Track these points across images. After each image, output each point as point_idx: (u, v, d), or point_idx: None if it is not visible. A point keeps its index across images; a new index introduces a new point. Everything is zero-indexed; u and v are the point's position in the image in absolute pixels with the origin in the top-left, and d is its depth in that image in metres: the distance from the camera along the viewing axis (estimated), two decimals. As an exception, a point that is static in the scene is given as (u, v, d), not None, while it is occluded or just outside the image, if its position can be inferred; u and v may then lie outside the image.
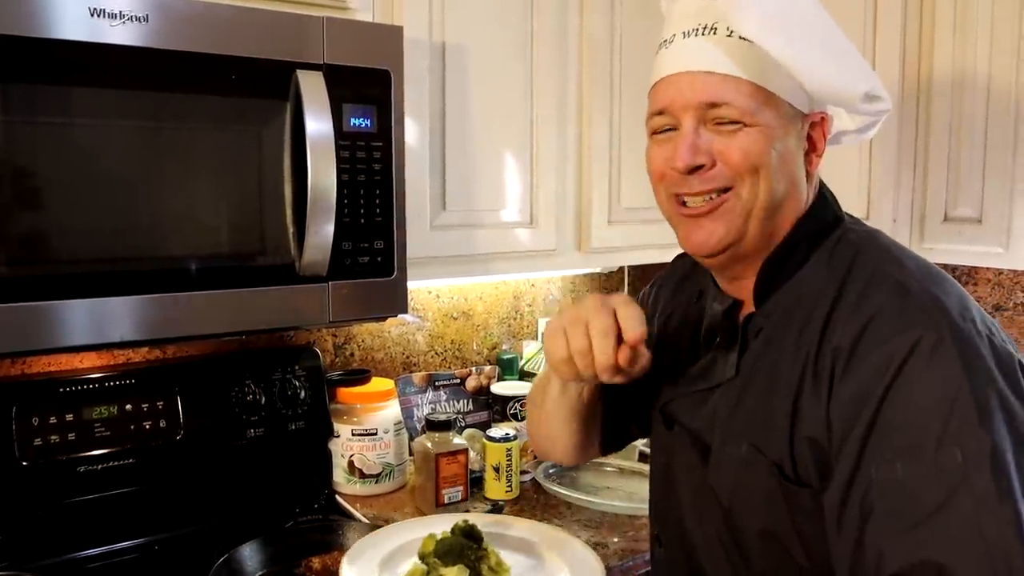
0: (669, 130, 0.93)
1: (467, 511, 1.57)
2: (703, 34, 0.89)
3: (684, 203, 0.93)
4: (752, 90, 0.88)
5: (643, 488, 1.66)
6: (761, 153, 0.88)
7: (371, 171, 1.31)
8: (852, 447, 0.80)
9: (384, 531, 1.27)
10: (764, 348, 0.92)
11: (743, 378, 0.93)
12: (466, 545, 1.11)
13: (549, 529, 1.30)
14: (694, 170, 0.90)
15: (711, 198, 0.91)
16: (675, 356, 1.05)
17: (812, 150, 0.93)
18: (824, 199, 0.96)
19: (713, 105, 0.88)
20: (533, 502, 1.67)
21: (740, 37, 0.87)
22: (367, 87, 1.30)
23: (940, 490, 0.74)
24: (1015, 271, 2.04)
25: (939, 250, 1.82)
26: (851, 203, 1.11)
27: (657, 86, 0.94)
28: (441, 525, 1.16)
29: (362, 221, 1.31)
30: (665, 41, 0.94)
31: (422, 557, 1.11)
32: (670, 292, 1.17)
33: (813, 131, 0.92)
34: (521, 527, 1.29)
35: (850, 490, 0.79)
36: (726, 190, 0.90)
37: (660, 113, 0.93)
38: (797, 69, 0.86)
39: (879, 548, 0.76)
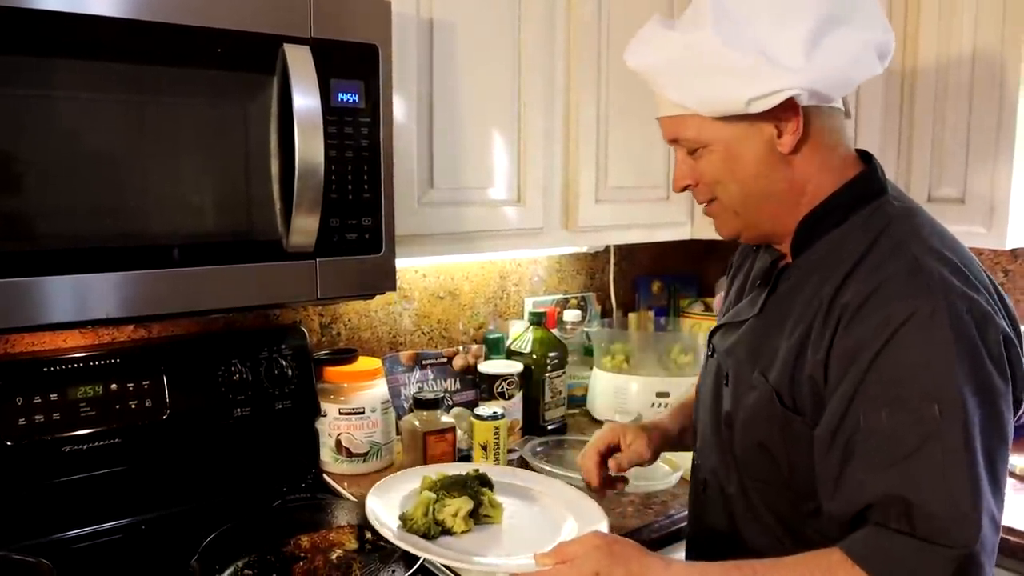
0: None
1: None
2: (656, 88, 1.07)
3: None
4: (694, 121, 1.04)
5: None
6: (721, 168, 1.05)
7: (359, 147, 1.29)
8: (846, 391, 0.92)
9: (405, 472, 1.34)
10: (788, 293, 1.06)
11: (765, 316, 1.09)
12: (470, 480, 1.21)
13: (556, 483, 1.36)
14: (687, 187, 1.11)
15: (707, 206, 1.12)
16: (732, 299, 1.24)
17: (779, 135, 1.01)
18: (871, 171, 1.06)
19: (675, 140, 1.09)
20: (521, 480, 1.67)
21: (656, 85, 1.06)
22: (355, 62, 1.29)
23: (916, 437, 0.87)
24: (996, 251, 2.06)
25: (923, 229, 1.83)
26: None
27: None
28: (456, 471, 1.25)
29: (350, 198, 1.30)
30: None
31: (430, 488, 1.18)
32: (743, 249, 1.32)
33: (776, 121, 1.01)
34: (529, 477, 1.39)
35: (840, 428, 0.92)
36: (714, 198, 1.09)
37: None
38: (690, 104, 1.02)
39: (859, 480, 0.90)
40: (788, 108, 0.98)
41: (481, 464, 1.37)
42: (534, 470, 1.66)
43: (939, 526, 0.85)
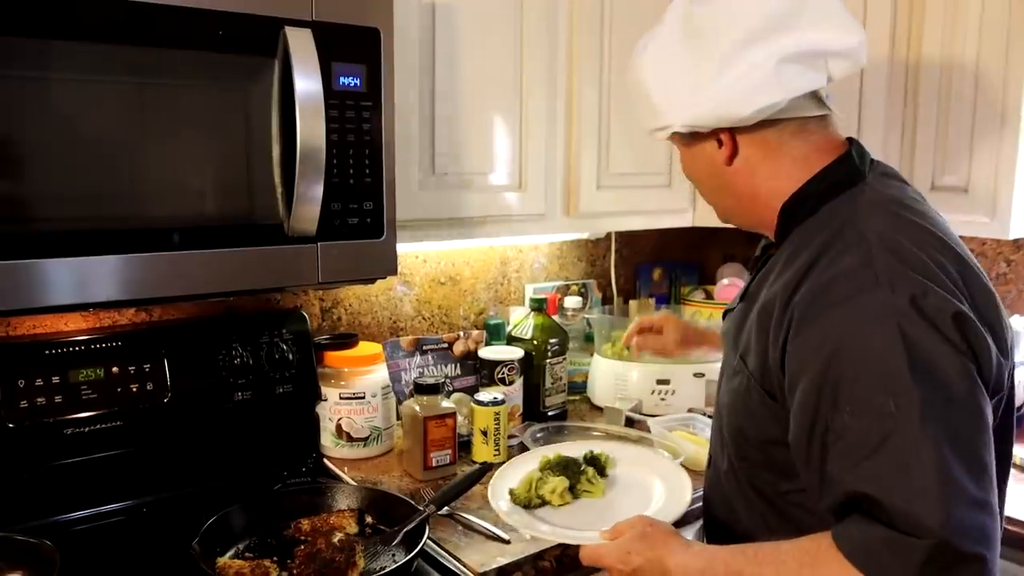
0: None
1: (454, 475, 1.58)
2: None
3: None
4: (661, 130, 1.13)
5: (628, 452, 1.68)
6: (688, 169, 1.19)
7: (360, 131, 1.29)
8: (808, 398, 0.94)
9: (533, 453, 1.51)
10: (767, 280, 1.08)
11: (746, 303, 1.13)
12: (571, 463, 1.39)
13: (665, 460, 1.49)
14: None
15: None
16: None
17: (720, 148, 1.11)
18: (842, 162, 1.08)
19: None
20: (520, 466, 1.68)
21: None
22: (356, 45, 1.28)
23: (877, 435, 0.89)
24: (999, 241, 2.05)
25: (925, 218, 1.82)
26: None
27: None
28: (574, 453, 1.44)
29: (351, 182, 1.29)
30: None
31: (541, 468, 1.39)
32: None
33: (714, 137, 1.10)
34: (634, 452, 1.53)
35: (812, 434, 0.95)
36: None
37: None
38: (647, 118, 1.14)
39: (834, 477, 0.93)
40: (717, 131, 1.08)
41: (605, 443, 1.54)
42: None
43: (906, 519, 0.86)
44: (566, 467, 1.38)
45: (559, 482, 1.34)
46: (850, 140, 1.11)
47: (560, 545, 1.31)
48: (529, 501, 1.33)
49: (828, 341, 0.92)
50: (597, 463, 1.42)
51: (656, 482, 1.39)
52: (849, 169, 1.07)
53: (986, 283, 1.00)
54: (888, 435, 0.88)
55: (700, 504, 1.30)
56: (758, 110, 1.03)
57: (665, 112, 1.10)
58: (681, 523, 1.31)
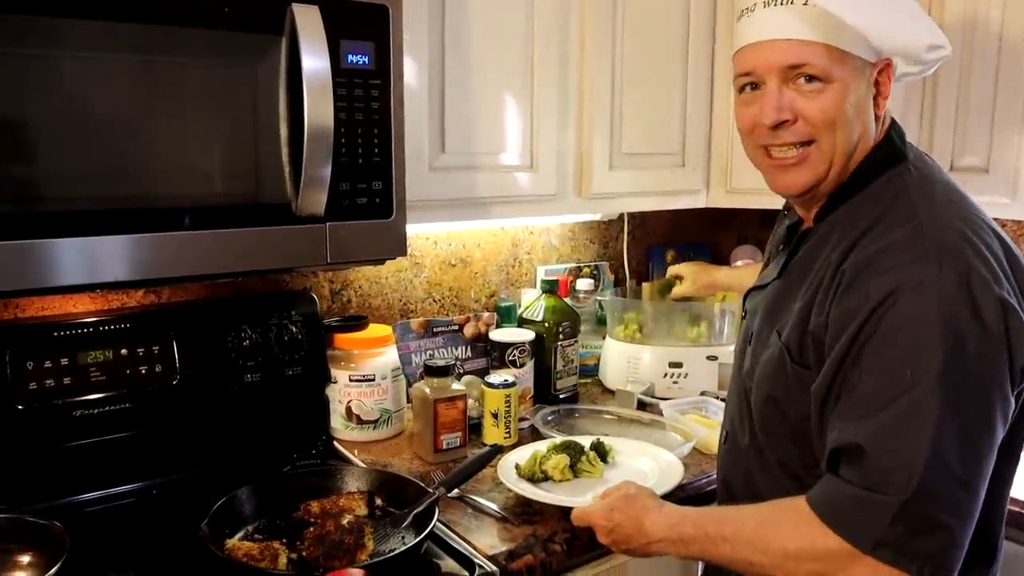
0: (755, 89, 1.08)
1: (464, 457, 1.58)
2: (782, 4, 1.03)
3: (770, 154, 1.09)
4: (827, 51, 1.01)
5: (640, 434, 1.68)
6: (837, 109, 1.03)
7: (369, 110, 1.27)
8: (838, 353, 0.97)
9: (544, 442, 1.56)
10: (805, 256, 1.10)
11: (785, 278, 1.13)
12: (575, 445, 1.48)
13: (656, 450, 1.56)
14: (780, 124, 1.05)
15: (797, 149, 1.07)
16: (765, 262, 1.32)
17: (879, 94, 1.06)
18: (891, 138, 1.09)
19: (793, 67, 1.03)
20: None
21: (814, 4, 1.01)
22: (365, 23, 1.26)
23: (887, 396, 0.92)
24: (1019, 222, 2.02)
25: (944, 199, 1.80)
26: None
27: (742, 51, 1.09)
28: (584, 441, 1.53)
29: (360, 161, 1.28)
30: (747, 9, 1.08)
31: (548, 448, 1.48)
32: (779, 215, 1.35)
33: (880, 77, 1.06)
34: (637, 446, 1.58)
35: (832, 386, 0.98)
36: (810, 142, 1.06)
37: (746, 74, 1.08)
38: (867, 30, 1.00)
39: (836, 426, 0.97)
40: (887, 70, 1.05)
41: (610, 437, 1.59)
42: (545, 439, 1.66)
43: (882, 477, 0.90)
44: (569, 447, 1.48)
45: (561, 459, 1.44)
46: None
47: (570, 532, 1.31)
48: (533, 474, 1.43)
49: (869, 302, 0.94)
50: (600, 449, 1.50)
51: (650, 469, 1.48)
52: (895, 148, 1.08)
53: (1019, 256, 1.00)
54: (895, 399, 0.91)
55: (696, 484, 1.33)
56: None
57: (938, 30, 1.06)
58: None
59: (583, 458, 1.46)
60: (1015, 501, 1.46)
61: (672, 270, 2.05)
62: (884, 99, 1.07)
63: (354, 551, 1.18)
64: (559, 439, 1.52)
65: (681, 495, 1.47)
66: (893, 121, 1.12)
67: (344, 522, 1.27)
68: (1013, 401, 0.94)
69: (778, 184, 1.11)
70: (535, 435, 1.70)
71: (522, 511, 1.38)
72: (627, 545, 1.16)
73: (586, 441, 1.52)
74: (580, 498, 1.33)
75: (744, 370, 1.19)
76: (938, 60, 1.08)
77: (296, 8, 1.18)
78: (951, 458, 0.89)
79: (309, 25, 1.18)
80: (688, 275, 1.99)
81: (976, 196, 1.69)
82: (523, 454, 1.50)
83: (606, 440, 1.53)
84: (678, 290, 2.01)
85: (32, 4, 1.02)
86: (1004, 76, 1.65)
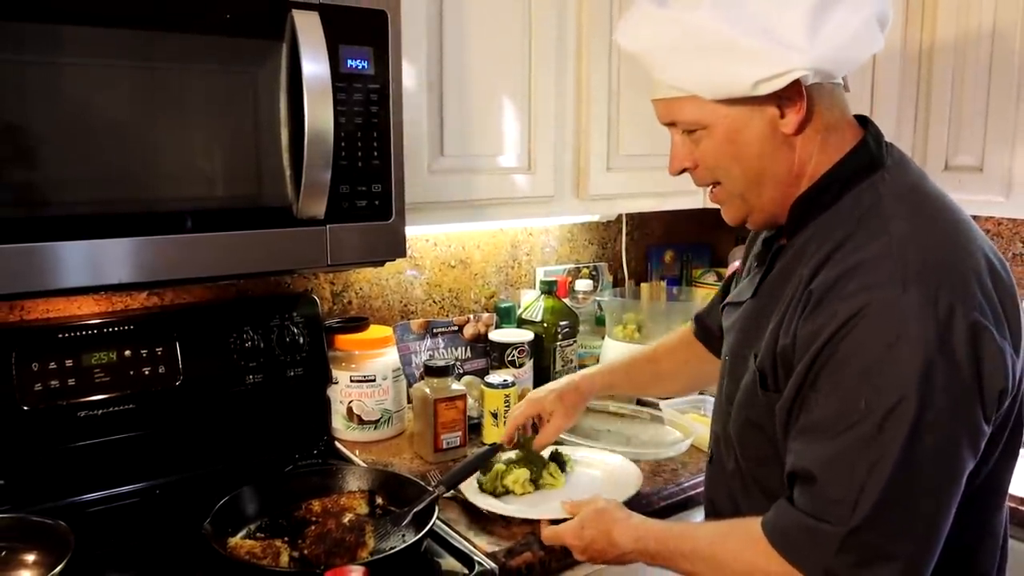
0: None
1: (464, 456, 1.59)
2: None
3: None
4: (693, 103, 1.01)
5: (642, 431, 1.69)
6: (723, 151, 1.02)
7: (368, 113, 1.29)
8: (798, 375, 0.95)
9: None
10: (779, 274, 1.07)
11: (759, 298, 1.10)
12: (534, 458, 1.49)
13: (615, 456, 1.59)
14: (685, 170, 1.08)
15: (712, 192, 1.09)
16: (740, 277, 1.26)
17: (782, 116, 0.99)
18: (866, 144, 1.03)
19: (672, 123, 1.06)
20: (531, 448, 1.68)
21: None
22: (363, 28, 1.28)
23: (840, 424, 0.90)
24: (1015, 220, 2.03)
25: (939, 199, 1.81)
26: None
27: None
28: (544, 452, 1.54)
29: (359, 164, 1.29)
30: None
31: (506, 462, 1.48)
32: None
33: (779, 101, 0.98)
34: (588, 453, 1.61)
35: (791, 408, 0.97)
36: (717, 183, 1.07)
37: None
38: (694, 89, 0.99)
39: (792, 449, 0.96)
40: (792, 88, 0.95)
41: (568, 447, 1.62)
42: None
43: (828, 506, 0.90)
44: (529, 460, 1.48)
45: (521, 472, 1.45)
46: (862, 120, 1.07)
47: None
48: (495, 489, 1.43)
49: (830, 324, 0.91)
50: (559, 459, 1.53)
51: (608, 476, 1.52)
52: (869, 155, 1.02)
53: (1009, 281, 0.96)
54: (848, 428, 0.89)
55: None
56: (859, 62, 0.98)
57: (777, 56, 0.93)
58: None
59: (544, 472, 1.48)
60: (1014, 499, 1.47)
61: (523, 413, 1.46)
62: (796, 114, 0.98)
63: (355, 549, 1.20)
64: (513, 453, 1.49)
65: (682, 498, 1.49)
66: (869, 125, 1.06)
67: (345, 520, 1.28)
68: (987, 428, 0.91)
69: (725, 219, 1.11)
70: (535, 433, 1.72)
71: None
72: (603, 558, 1.18)
73: (546, 452, 1.53)
74: (543, 507, 1.37)
75: (724, 392, 1.16)
76: (802, 76, 0.95)
77: (296, 14, 1.20)
78: (900, 491, 0.87)
79: (309, 31, 1.20)
80: (556, 411, 1.43)
81: (971, 195, 1.73)
82: (543, 453, 1.52)
83: (563, 450, 1.56)
84: (547, 435, 1.45)
85: (37, 12, 1.04)
86: (997, 75, 1.67)
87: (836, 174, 1.01)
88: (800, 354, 0.95)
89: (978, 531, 1.01)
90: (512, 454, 1.50)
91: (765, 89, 0.95)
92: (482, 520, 1.37)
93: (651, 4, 0.99)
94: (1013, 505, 1.48)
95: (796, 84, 0.95)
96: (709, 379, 1.42)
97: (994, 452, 0.96)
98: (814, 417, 0.93)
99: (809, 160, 1.01)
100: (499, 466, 1.47)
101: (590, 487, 1.45)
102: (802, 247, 1.02)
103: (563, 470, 1.52)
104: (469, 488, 1.43)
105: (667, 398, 1.79)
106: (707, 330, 1.45)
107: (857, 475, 0.88)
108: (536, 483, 1.46)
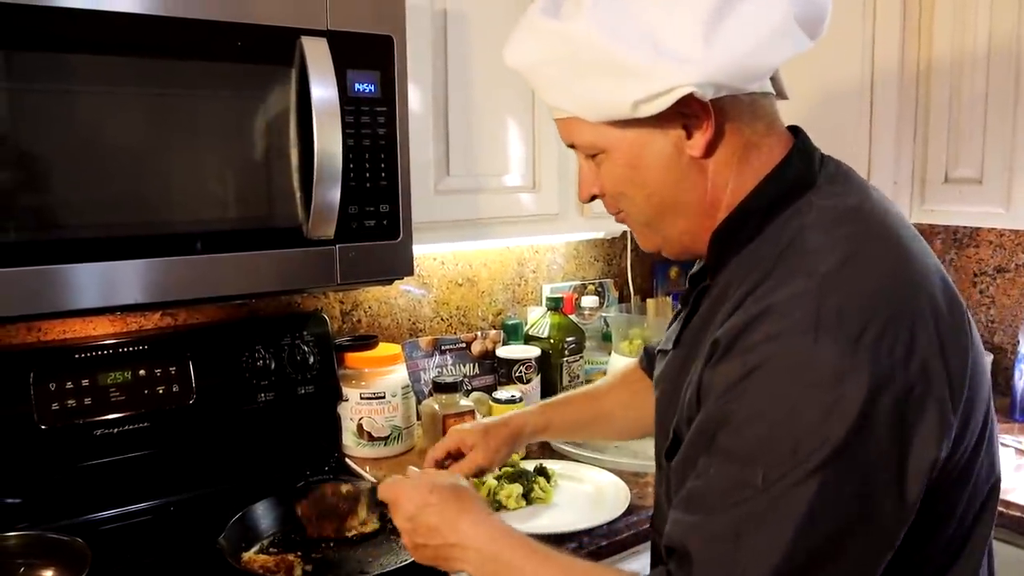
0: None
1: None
2: None
3: None
4: (586, 125, 0.88)
5: (649, 446, 1.70)
6: (623, 177, 0.89)
7: (376, 136, 1.32)
8: (694, 434, 0.82)
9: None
10: (700, 320, 0.92)
11: (681, 347, 0.95)
12: (524, 473, 1.52)
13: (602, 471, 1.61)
14: (595, 197, 0.95)
15: (619, 215, 0.96)
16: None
17: (689, 137, 0.86)
18: (790, 164, 0.88)
19: (572, 145, 0.93)
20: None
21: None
22: (370, 53, 1.31)
23: (729, 497, 0.76)
24: (1016, 232, 2.04)
25: (940, 212, 1.82)
26: (850, 166, 1.06)
27: None
28: (527, 465, 1.58)
29: (368, 185, 1.32)
30: None
31: (496, 477, 1.50)
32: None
33: (684, 119, 0.85)
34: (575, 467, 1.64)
35: (684, 467, 0.83)
36: (621, 210, 0.95)
37: None
38: (576, 111, 0.88)
39: (673, 515, 0.81)
40: (696, 105, 0.82)
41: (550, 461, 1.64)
42: (555, 451, 1.69)
43: None
44: (519, 476, 1.51)
45: (514, 488, 1.48)
46: (792, 130, 0.92)
47: (575, 535, 1.37)
48: (489, 505, 1.40)
49: (731, 377, 0.78)
50: (544, 473, 1.56)
51: (596, 491, 1.54)
52: (795, 175, 0.87)
53: (959, 319, 0.81)
54: (738, 504, 0.75)
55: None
56: (771, 68, 0.84)
57: (661, 72, 0.79)
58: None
59: (535, 486, 1.51)
60: (1014, 505, 1.48)
61: (443, 445, 1.30)
62: (702, 133, 0.84)
63: (345, 516, 1.24)
64: (499, 469, 1.48)
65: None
66: (798, 135, 0.91)
67: (343, 490, 1.31)
68: (915, 501, 0.76)
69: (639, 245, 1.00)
70: (543, 449, 1.74)
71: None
72: (424, 539, 0.98)
73: (530, 464, 1.57)
74: (535, 522, 1.42)
75: (656, 445, 1.01)
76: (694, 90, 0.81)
77: (305, 40, 1.23)
78: (788, 572, 0.73)
79: (317, 56, 1.23)
80: (478, 445, 1.26)
81: (970, 207, 1.75)
82: (528, 466, 1.54)
83: (548, 464, 1.59)
84: (459, 467, 1.26)
85: (53, 42, 1.08)
86: (995, 87, 1.68)
87: (753, 202, 0.87)
88: (698, 408, 0.82)
89: None
90: (497, 471, 1.47)
91: (647, 111, 0.82)
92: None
93: (538, 14, 0.86)
94: (1002, 509, 1.48)
95: (698, 101, 0.81)
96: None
97: (967, 517, 0.84)
98: (702, 485, 0.79)
99: (725, 186, 0.88)
100: (491, 482, 1.49)
101: (581, 502, 1.50)
102: (724, 288, 0.87)
103: (549, 482, 1.55)
104: None
105: (614, 442, 1.69)
106: (654, 364, 1.17)
107: (745, 554, 0.74)
108: (527, 497, 1.49)
